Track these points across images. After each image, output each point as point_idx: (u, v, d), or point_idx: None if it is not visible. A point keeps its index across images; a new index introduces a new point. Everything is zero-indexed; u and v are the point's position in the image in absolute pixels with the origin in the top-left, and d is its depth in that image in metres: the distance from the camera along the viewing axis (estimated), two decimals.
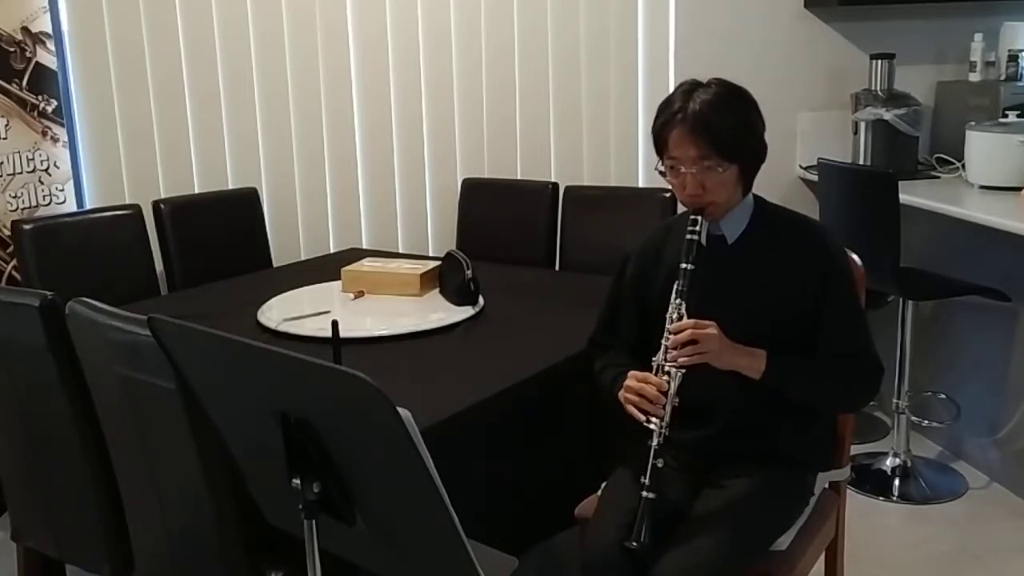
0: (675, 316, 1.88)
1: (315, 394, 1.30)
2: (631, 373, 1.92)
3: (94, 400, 1.96)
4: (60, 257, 3.00)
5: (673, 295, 1.90)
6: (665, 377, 1.86)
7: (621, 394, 1.92)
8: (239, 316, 2.58)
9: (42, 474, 2.15)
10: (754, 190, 2.02)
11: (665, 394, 1.85)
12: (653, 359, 1.91)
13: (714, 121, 1.85)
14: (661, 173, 1.95)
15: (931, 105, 3.85)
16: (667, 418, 1.85)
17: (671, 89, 3.88)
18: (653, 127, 1.93)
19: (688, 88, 1.92)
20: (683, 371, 1.85)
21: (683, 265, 1.89)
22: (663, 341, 1.88)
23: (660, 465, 1.83)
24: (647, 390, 1.86)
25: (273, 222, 3.60)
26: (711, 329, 1.85)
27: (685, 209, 1.98)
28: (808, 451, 2.04)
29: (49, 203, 3.31)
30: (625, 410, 1.91)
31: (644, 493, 1.81)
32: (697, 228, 1.90)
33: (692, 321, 1.86)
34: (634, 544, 1.78)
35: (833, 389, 1.96)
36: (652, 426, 1.85)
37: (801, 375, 1.92)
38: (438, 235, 3.78)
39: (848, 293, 1.96)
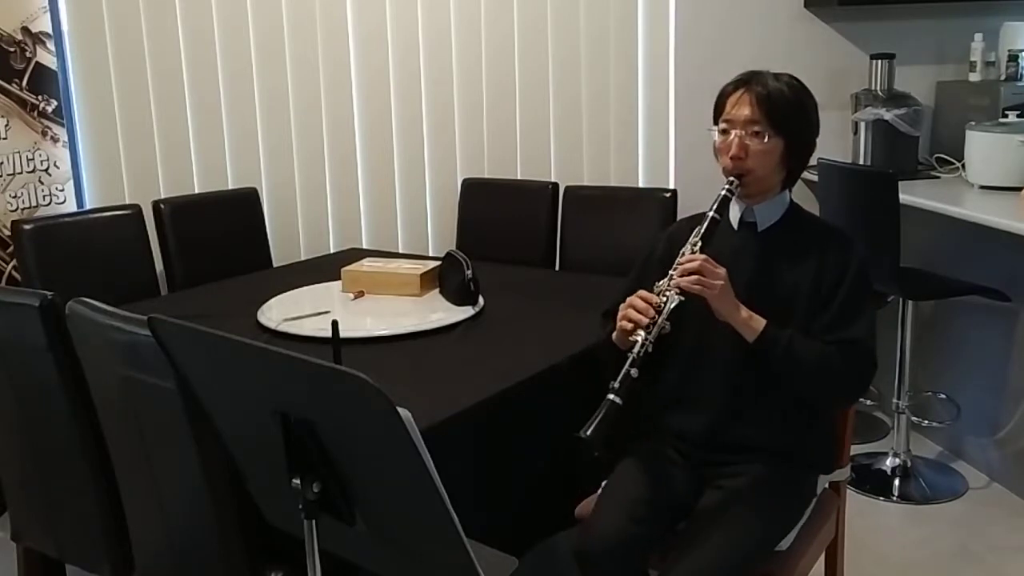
0: (687, 252, 1.93)
1: (315, 394, 1.30)
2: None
3: (94, 400, 1.96)
4: (60, 257, 3.00)
5: (692, 235, 1.95)
6: (663, 298, 1.90)
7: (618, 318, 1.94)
8: (239, 316, 2.58)
9: (42, 474, 2.15)
10: None
11: (656, 308, 1.88)
12: (657, 283, 1.93)
13: (775, 95, 1.96)
14: (714, 140, 2.02)
15: (931, 105, 3.85)
16: (654, 333, 1.87)
17: (671, 89, 3.90)
18: (719, 93, 2.03)
19: (759, 70, 2.01)
20: (681, 298, 1.88)
21: (709, 212, 1.96)
22: (671, 270, 1.92)
23: (635, 375, 1.84)
24: (637, 301, 1.90)
25: (273, 222, 3.60)
26: (721, 270, 1.89)
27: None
28: (809, 451, 2.04)
29: (49, 203, 3.31)
30: (618, 348, 1.93)
31: (609, 395, 1.82)
32: (732, 188, 1.97)
33: (704, 256, 1.90)
34: (586, 434, 1.78)
35: (822, 374, 1.93)
36: (637, 337, 1.87)
37: (794, 351, 1.91)
38: (438, 235, 3.78)
39: (859, 289, 1.98)
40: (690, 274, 1.88)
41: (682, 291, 1.88)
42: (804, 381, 1.95)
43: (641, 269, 2.15)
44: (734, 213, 2.05)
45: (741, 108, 1.96)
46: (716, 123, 2.02)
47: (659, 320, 1.88)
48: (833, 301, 1.95)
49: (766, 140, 1.95)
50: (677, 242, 2.06)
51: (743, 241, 2.03)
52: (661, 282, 1.93)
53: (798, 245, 2.01)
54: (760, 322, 1.91)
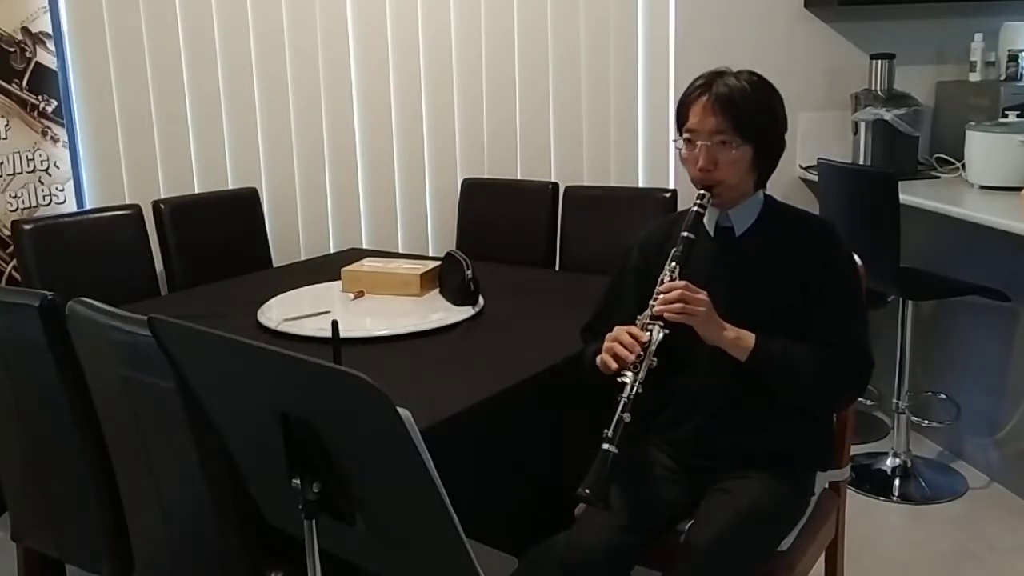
0: (666, 279, 1.87)
1: (315, 394, 1.30)
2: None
3: (94, 400, 1.96)
4: (60, 257, 3.00)
5: (668, 259, 1.88)
6: (646, 332, 1.82)
7: (602, 351, 1.87)
8: (239, 316, 2.58)
9: (42, 474, 2.15)
10: None
11: (642, 345, 1.80)
12: (638, 317, 1.86)
13: (737, 99, 1.88)
14: (679, 150, 1.96)
15: (931, 105, 3.85)
16: (642, 373, 1.79)
17: (671, 89, 3.90)
18: (679, 100, 1.97)
19: (719, 71, 1.95)
20: (666, 331, 1.81)
21: (683, 233, 1.89)
22: (651, 301, 1.85)
23: (627, 419, 1.76)
24: (623, 336, 1.83)
25: (273, 222, 3.60)
26: (702, 295, 1.84)
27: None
28: (806, 449, 2.03)
29: (49, 203, 3.31)
30: (603, 373, 1.86)
31: (604, 445, 1.75)
32: (703, 202, 1.91)
33: (684, 283, 1.84)
34: (585, 492, 1.72)
35: (819, 381, 1.90)
36: (624, 379, 1.80)
37: (788, 362, 1.87)
38: (438, 235, 3.78)
39: (849, 286, 1.96)
40: (672, 303, 1.82)
41: (666, 322, 1.82)
42: (802, 390, 1.92)
43: (617, 282, 2.10)
44: (709, 219, 1.97)
45: (706, 117, 1.89)
46: (680, 132, 1.95)
47: (646, 358, 1.80)
48: (824, 301, 1.91)
49: (735, 149, 1.88)
50: (651, 252, 2.02)
51: (722, 248, 1.97)
52: (643, 314, 1.85)
53: (780, 244, 1.95)
54: (749, 339, 1.86)
